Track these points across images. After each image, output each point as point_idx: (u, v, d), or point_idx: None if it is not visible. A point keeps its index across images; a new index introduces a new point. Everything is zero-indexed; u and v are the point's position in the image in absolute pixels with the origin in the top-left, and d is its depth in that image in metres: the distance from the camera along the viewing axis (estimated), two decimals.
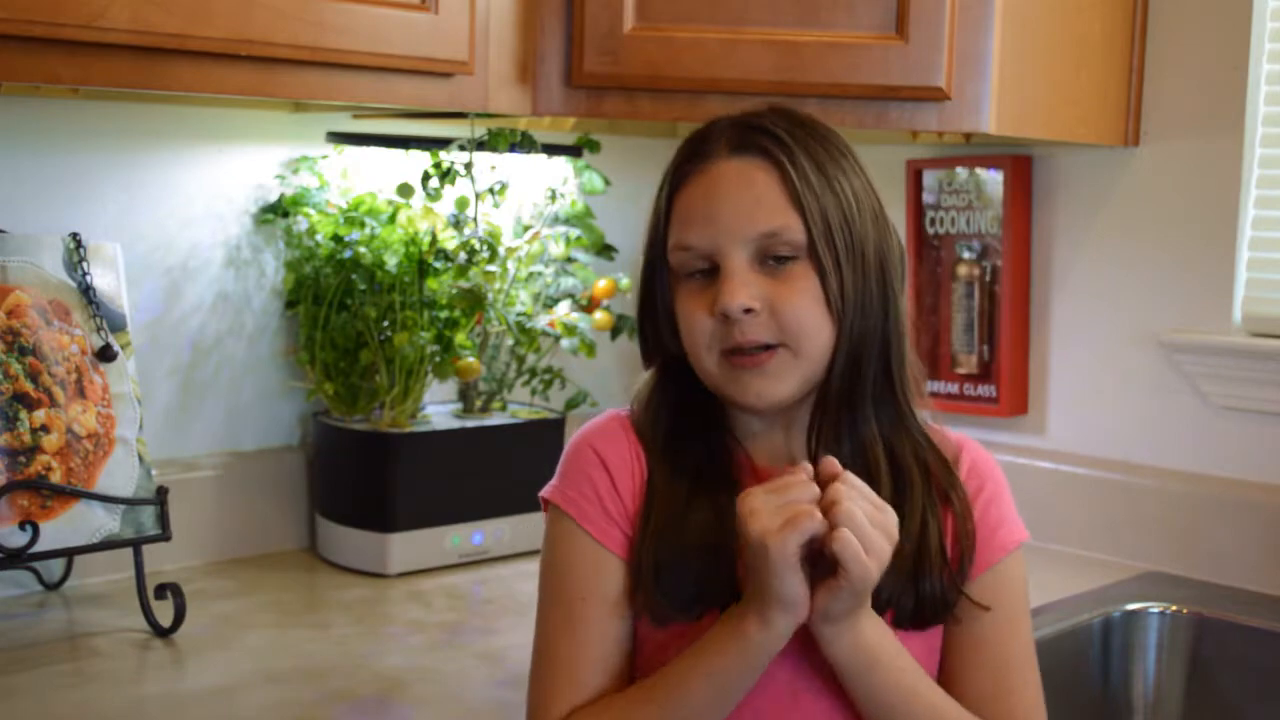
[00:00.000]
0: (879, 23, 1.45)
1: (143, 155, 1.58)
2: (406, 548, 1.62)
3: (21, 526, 1.31)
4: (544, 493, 1.05)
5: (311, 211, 1.64)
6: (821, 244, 0.98)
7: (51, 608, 1.47)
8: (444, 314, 1.65)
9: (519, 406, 1.81)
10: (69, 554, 1.39)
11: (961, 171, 1.87)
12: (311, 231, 1.64)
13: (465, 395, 1.77)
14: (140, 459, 1.41)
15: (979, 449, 1.09)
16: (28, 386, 1.35)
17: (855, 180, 1.02)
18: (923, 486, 1.02)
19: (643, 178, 2.09)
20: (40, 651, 1.34)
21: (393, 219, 1.65)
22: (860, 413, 1.02)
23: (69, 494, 1.35)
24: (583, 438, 1.06)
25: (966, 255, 1.88)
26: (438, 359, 1.65)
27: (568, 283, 1.77)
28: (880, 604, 0.97)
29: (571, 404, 1.82)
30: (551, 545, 1.04)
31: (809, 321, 0.99)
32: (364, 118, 1.73)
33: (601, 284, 1.80)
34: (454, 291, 1.64)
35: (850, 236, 1.00)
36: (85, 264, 1.41)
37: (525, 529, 1.72)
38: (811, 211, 0.98)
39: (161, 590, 1.40)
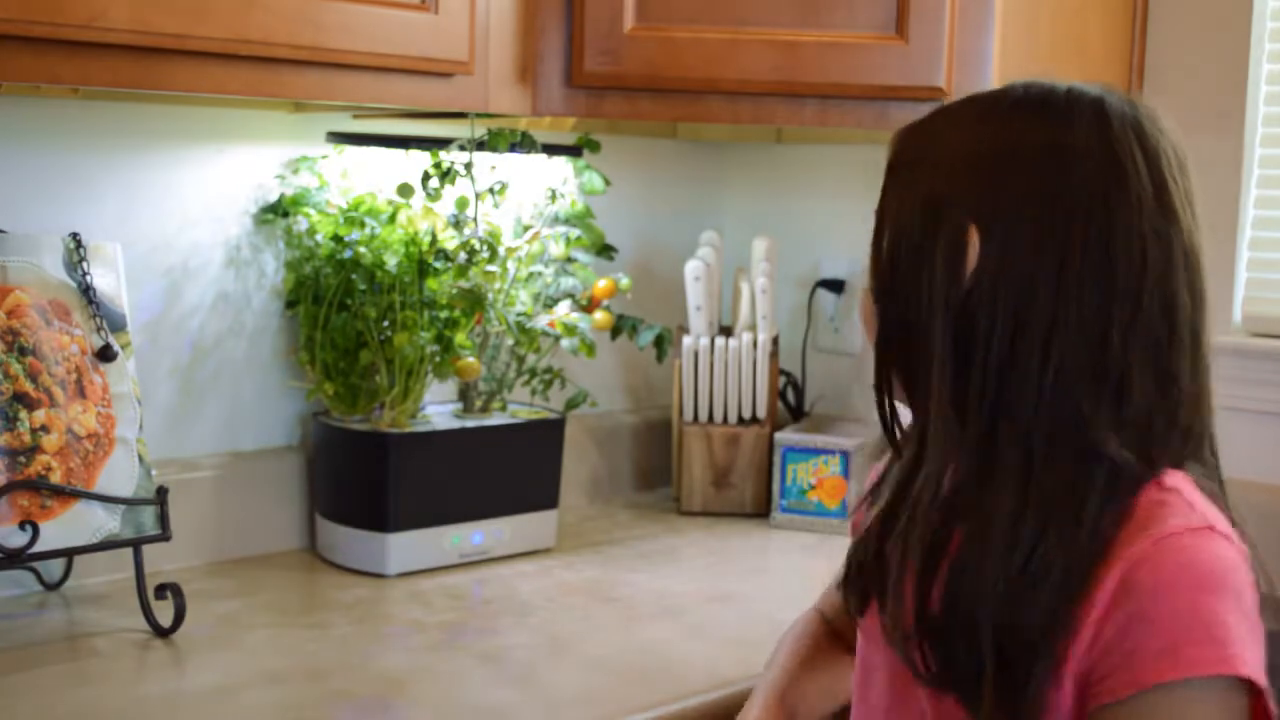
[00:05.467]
0: (879, 23, 1.46)
1: (143, 155, 1.58)
2: (406, 548, 1.62)
3: (21, 526, 1.31)
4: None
5: (311, 211, 1.64)
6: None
7: (51, 608, 1.47)
8: (444, 314, 1.65)
9: (519, 406, 1.81)
10: (69, 554, 1.39)
11: None
12: (311, 231, 1.64)
13: (465, 395, 1.77)
14: (140, 459, 1.41)
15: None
16: (28, 386, 1.35)
17: None
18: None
19: (643, 178, 2.11)
20: (40, 651, 1.34)
21: (393, 219, 1.65)
22: None
23: (69, 494, 1.35)
24: None
25: None
26: (438, 359, 1.65)
27: (568, 283, 1.77)
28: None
29: (571, 404, 1.82)
30: None
31: None
32: (364, 118, 1.73)
33: (601, 284, 1.80)
34: (454, 291, 1.64)
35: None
36: (85, 264, 1.41)
37: (525, 529, 1.72)
38: None
39: (161, 590, 1.40)
